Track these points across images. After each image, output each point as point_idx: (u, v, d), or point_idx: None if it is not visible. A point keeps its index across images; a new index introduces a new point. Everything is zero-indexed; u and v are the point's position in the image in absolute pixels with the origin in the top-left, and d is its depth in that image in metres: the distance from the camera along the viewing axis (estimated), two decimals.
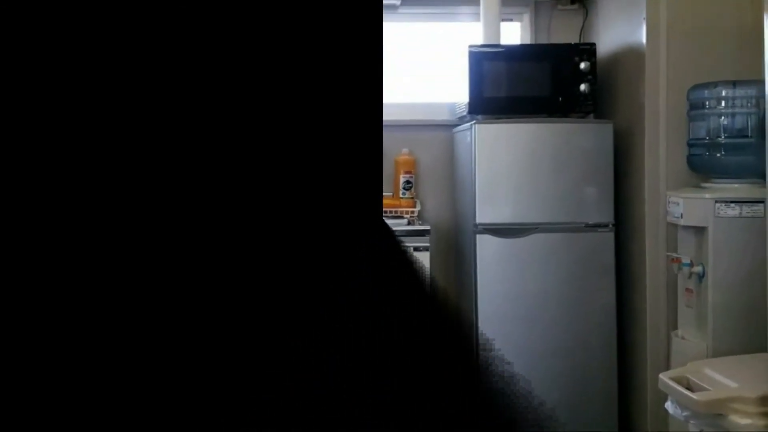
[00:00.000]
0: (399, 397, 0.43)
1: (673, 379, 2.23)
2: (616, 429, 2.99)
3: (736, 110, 2.64)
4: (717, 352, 2.47)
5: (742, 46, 2.76)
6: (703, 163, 2.74)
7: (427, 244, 3.13)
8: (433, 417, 0.43)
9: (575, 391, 2.93)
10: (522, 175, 3.00)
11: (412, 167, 3.52)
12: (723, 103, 2.65)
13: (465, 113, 3.21)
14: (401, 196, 3.48)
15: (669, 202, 2.70)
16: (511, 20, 3.65)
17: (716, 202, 2.51)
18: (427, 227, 3.26)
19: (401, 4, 3.49)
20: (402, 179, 3.48)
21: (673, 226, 2.73)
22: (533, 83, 3.12)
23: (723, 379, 2.13)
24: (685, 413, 2.13)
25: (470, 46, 3.11)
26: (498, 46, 3.19)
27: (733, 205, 2.50)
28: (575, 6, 3.61)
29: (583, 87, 3.07)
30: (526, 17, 3.66)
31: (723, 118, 2.64)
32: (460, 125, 3.34)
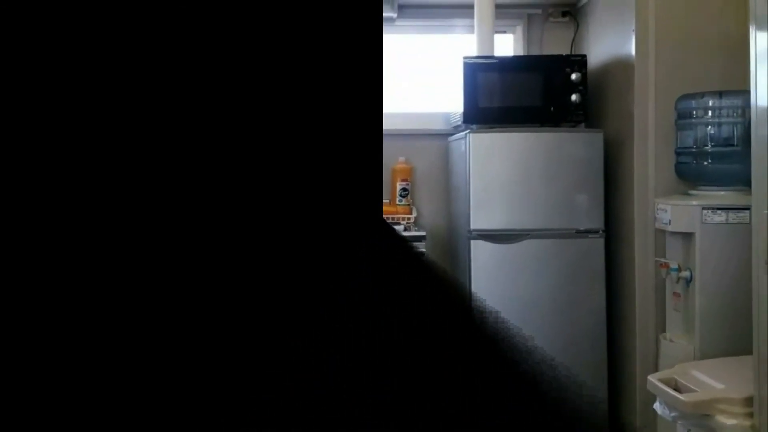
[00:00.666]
0: (399, 397, 0.43)
1: (661, 380, 2.25)
2: (606, 428, 3.01)
3: (723, 120, 2.65)
4: (704, 355, 2.48)
5: (729, 57, 2.78)
6: (690, 171, 2.75)
7: (423, 250, 3.16)
8: (433, 417, 0.43)
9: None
10: (515, 182, 3.03)
11: (408, 175, 3.56)
12: (710, 113, 2.67)
13: (460, 123, 3.23)
14: (398, 203, 3.51)
15: (657, 208, 2.71)
16: (504, 32, 3.68)
17: (703, 208, 2.53)
18: (423, 233, 3.29)
19: (398, 17, 3.52)
20: (399, 187, 3.52)
21: (662, 232, 2.74)
22: (526, 93, 3.14)
23: (710, 381, 2.15)
24: (673, 414, 2.14)
25: (465, 58, 3.13)
26: (492, 57, 3.21)
27: (719, 211, 2.52)
28: (566, 18, 3.64)
29: (574, 97, 3.09)
30: (519, 29, 3.68)
31: (710, 127, 2.66)
32: (455, 134, 3.37)
